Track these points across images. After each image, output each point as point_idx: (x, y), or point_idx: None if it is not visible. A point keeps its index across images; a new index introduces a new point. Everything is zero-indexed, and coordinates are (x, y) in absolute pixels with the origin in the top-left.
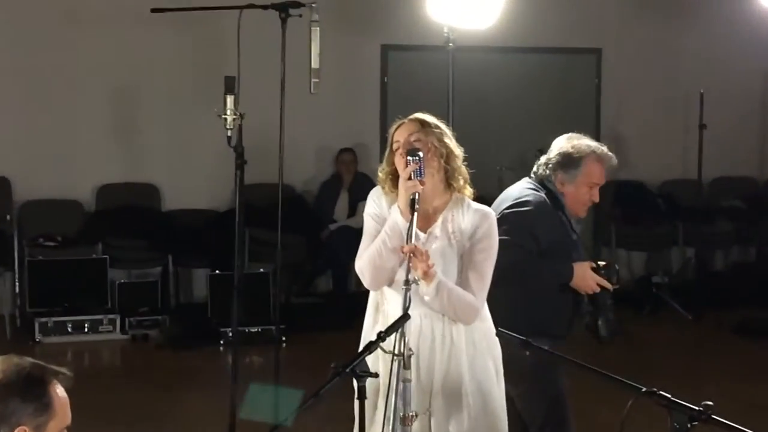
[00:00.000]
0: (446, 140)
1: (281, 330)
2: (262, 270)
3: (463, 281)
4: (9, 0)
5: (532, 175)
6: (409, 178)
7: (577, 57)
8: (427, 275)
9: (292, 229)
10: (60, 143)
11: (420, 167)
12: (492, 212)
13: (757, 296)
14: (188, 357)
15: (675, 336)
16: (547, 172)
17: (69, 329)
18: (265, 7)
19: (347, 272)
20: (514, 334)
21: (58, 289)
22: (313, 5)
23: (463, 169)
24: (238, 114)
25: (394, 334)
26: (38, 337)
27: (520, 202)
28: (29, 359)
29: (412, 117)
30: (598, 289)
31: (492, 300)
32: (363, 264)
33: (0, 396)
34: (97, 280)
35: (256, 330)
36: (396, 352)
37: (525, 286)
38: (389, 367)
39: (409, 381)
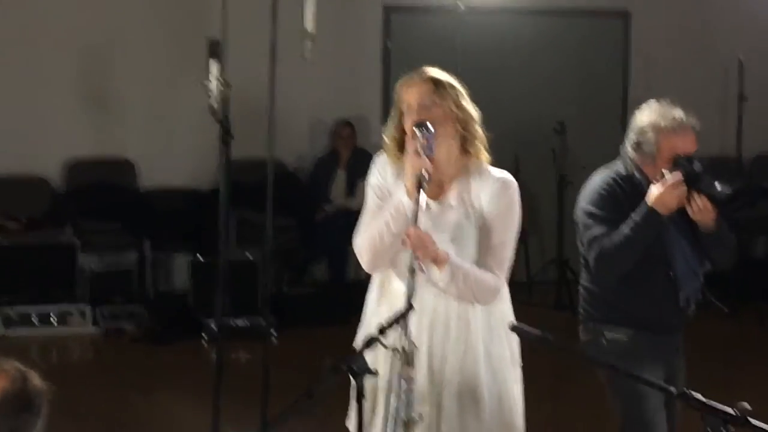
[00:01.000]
0: (463, 102)
1: (271, 323)
2: (249, 256)
3: (481, 257)
4: None
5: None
6: (417, 154)
7: (602, 21)
8: (436, 261)
9: (284, 211)
10: (23, 114)
11: (429, 142)
12: (513, 181)
13: None
14: (167, 353)
15: (710, 331)
16: (627, 152)
17: (34, 321)
18: None
19: (345, 259)
20: (530, 328)
21: (22, 277)
22: None
23: (481, 133)
24: (224, 82)
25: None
26: (0, 329)
27: (591, 198)
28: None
29: (423, 75)
30: (681, 194)
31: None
32: (362, 244)
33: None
34: (66, 267)
35: (243, 323)
36: (399, 347)
37: (613, 272)
38: (391, 365)
39: (413, 380)
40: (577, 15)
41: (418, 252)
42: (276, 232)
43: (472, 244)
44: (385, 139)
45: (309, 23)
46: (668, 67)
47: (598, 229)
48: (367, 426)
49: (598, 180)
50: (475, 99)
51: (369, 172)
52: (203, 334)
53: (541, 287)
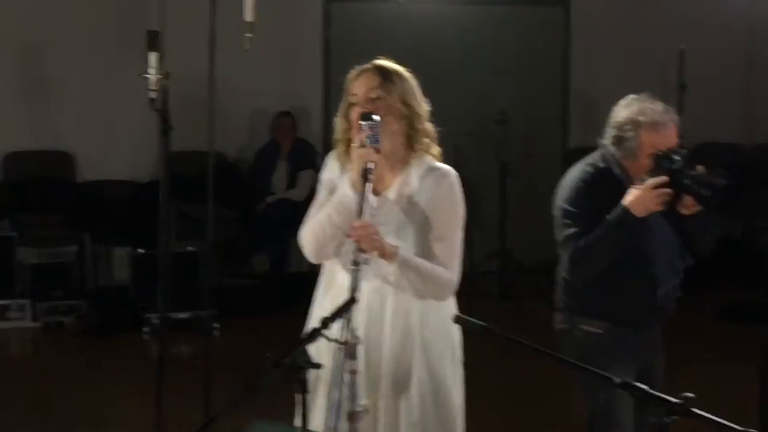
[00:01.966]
0: (409, 99)
1: (213, 316)
2: (190, 248)
3: (429, 253)
4: None
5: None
6: (363, 146)
7: (542, 9)
8: (385, 255)
9: (225, 203)
10: None
11: (375, 133)
12: (451, 171)
13: (743, 277)
14: (108, 347)
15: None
16: (606, 147)
17: None
18: None
19: (286, 250)
20: (474, 320)
21: None
22: None
23: (429, 128)
24: (163, 73)
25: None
26: None
27: (571, 190)
28: None
29: (372, 67)
30: (664, 197)
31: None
32: (305, 235)
33: None
34: (4, 261)
35: (184, 316)
36: (341, 340)
37: (586, 272)
38: (334, 357)
39: (356, 372)
40: (517, 3)
41: (364, 244)
42: (217, 224)
43: (411, 238)
44: (336, 132)
45: (248, 14)
46: (609, 56)
47: (572, 228)
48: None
49: (575, 175)
50: None
51: (318, 165)
52: (144, 328)
53: (484, 278)
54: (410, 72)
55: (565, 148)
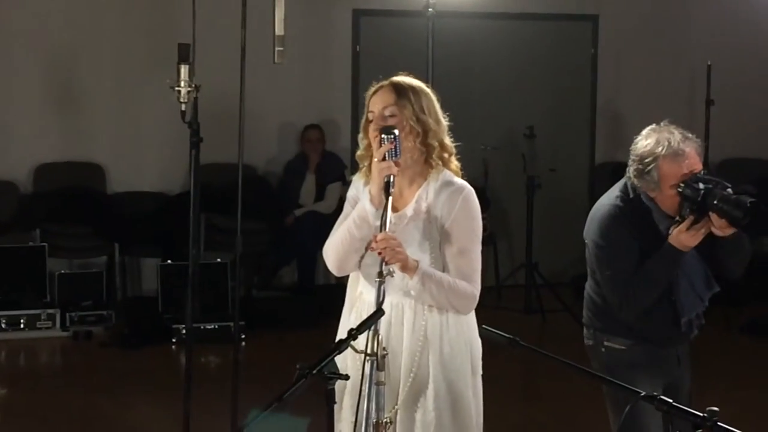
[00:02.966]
0: (424, 116)
1: (241, 327)
2: (219, 260)
3: (449, 268)
4: None
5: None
6: (383, 159)
7: (571, 24)
8: (406, 268)
9: (254, 215)
10: None
11: (396, 146)
12: (466, 186)
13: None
14: (136, 357)
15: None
16: (630, 179)
17: (3, 325)
18: None
19: (314, 263)
20: (500, 332)
21: None
22: None
23: (446, 144)
24: (194, 86)
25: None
26: None
27: (601, 225)
28: None
29: (387, 82)
30: (699, 235)
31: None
32: (328, 248)
33: None
34: (35, 271)
35: (212, 327)
36: (368, 351)
37: (640, 308)
38: (361, 368)
39: (383, 384)
40: (546, 18)
41: (387, 256)
42: (245, 236)
43: (429, 255)
44: (359, 148)
45: (279, 27)
46: (636, 72)
47: (613, 267)
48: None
49: (606, 211)
50: (444, 103)
51: (346, 178)
52: (173, 338)
53: (511, 291)
54: (429, 87)
55: (592, 163)
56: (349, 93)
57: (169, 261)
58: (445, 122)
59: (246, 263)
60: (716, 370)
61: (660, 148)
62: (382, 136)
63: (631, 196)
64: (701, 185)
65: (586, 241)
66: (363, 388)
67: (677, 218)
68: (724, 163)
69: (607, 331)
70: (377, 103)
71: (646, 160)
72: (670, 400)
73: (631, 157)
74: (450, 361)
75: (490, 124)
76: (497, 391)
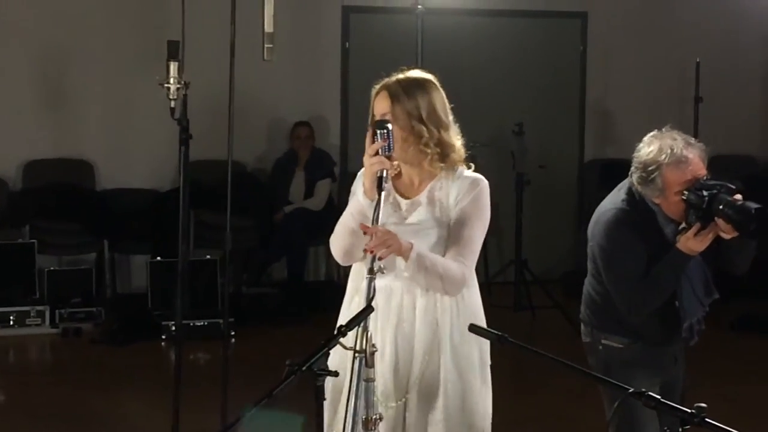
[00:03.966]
0: (417, 123)
1: (230, 323)
2: (209, 257)
3: (448, 250)
4: None
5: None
6: (376, 154)
7: (560, 21)
8: (401, 253)
9: (243, 211)
10: None
11: (388, 141)
12: (483, 180)
13: (758, 289)
14: (126, 353)
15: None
16: (634, 185)
17: None
18: None
19: (304, 259)
20: (489, 329)
21: None
22: None
23: (450, 143)
24: (183, 83)
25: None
26: None
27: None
28: None
29: (382, 85)
30: (706, 241)
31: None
32: (333, 240)
33: None
34: (24, 268)
35: (202, 323)
36: (357, 348)
37: (647, 311)
38: (351, 365)
39: (372, 380)
40: (535, 15)
41: (379, 251)
42: (235, 233)
43: (439, 240)
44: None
45: (268, 24)
46: (625, 69)
47: (622, 271)
48: (327, 426)
49: (611, 213)
50: None
51: (336, 174)
52: (162, 335)
53: (500, 288)
54: (433, 80)
55: (582, 160)
56: (338, 90)
57: (158, 258)
58: (451, 120)
59: (235, 260)
60: (705, 366)
61: (663, 156)
62: (376, 131)
63: (636, 198)
64: (705, 192)
65: (590, 242)
66: (351, 384)
67: (683, 225)
68: (712, 160)
69: (605, 329)
70: (377, 107)
71: (650, 168)
72: (658, 397)
73: (634, 164)
74: (460, 349)
75: (480, 121)
76: (504, 385)
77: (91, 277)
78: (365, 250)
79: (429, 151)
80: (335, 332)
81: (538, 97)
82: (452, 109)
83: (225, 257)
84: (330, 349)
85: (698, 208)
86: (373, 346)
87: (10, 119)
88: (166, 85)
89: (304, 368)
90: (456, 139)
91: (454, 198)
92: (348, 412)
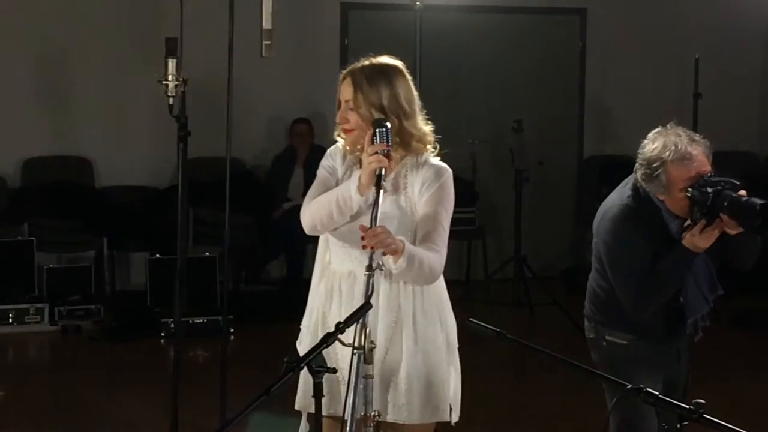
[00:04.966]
0: (387, 103)
1: (229, 321)
2: (207, 254)
3: (421, 237)
4: None
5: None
6: (376, 153)
7: (559, 18)
8: (395, 253)
9: (242, 209)
10: None
11: (388, 140)
12: (446, 167)
13: (757, 286)
14: (125, 351)
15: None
16: (639, 181)
17: None
18: None
19: (303, 256)
20: (487, 325)
21: None
22: None
23: (414, 132)
24: (181, 80)
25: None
26: None
27: (614, 226)
28: None
29: (348, 71)
30: (712, 237)
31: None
32: (305, 213)
33: None
34: (23, 265)
35: (201, 321)
36: (356, 345)
37: (654, 307)
38: (348, 362)
39: (371, 377)
40: (534, 12)
41: (379, 249)
42: (234, 230)
43: (406, 229)
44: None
45: (266, 21)
46: (624, 65)
47: (628, 268)
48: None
49: (617, 210)
50: (432, 97)
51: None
52: (161, 332)
53: (499, 285)
54: (419, 79)
55: (581, 156)
56: (336, 87)
57: (157, 255)
58: (416, 108)
59: (234, 257)
60: (705, 363)
61: (667, 153)
62: (376, 129)
63: (642, 194)
64: (709, 189)
65: (595, 238)
66: (350, 381)
67: (688, 222)
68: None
69: (609, 325)
70: (342, 93)
71: (654, 165)
72: (656, 393)
73: (639, 161)
74: (424, 333)
75: (478, 118)
76: (485, 383)
77: (90, 275)
78: (364, 247)
79: (399, 129)
80: (333, 329)
81: (537, 94)
82: (452, 104)
83: (224, 254)
84: (329, 345)
85: (703, 205)
86: (372, 342)
87: (8, 117)
88: (164, 82)
89: (302, 365)
90: (419, 128)
91: (419, 187)
92: (347, 409)
